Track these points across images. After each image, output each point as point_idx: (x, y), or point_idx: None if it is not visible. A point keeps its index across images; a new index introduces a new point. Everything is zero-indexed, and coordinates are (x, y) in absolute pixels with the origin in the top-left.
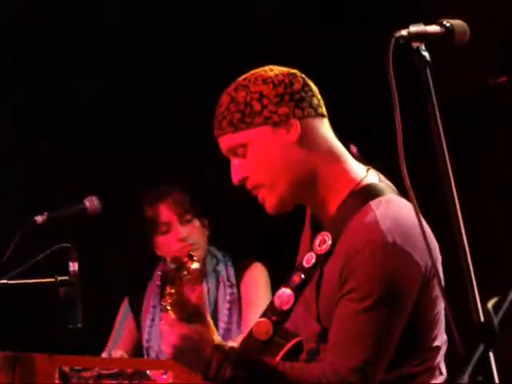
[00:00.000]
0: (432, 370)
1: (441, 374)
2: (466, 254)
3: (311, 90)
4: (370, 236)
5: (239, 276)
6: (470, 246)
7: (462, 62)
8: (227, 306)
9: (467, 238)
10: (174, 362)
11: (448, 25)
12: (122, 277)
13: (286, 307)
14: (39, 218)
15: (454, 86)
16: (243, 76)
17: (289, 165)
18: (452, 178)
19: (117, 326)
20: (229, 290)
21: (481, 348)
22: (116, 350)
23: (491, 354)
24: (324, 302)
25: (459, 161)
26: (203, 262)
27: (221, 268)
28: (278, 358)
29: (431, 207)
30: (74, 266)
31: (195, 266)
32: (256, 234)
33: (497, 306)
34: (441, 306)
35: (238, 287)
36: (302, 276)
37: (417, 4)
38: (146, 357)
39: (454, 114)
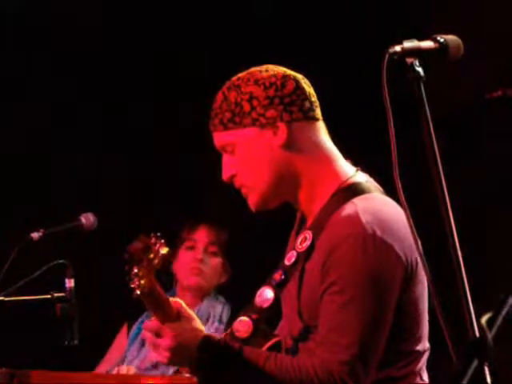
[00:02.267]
0: (413, 376)
1: (422, 380)
2: (460, 267)
3: (304, 93)
4: (350, 229)
5: (233, 319)
6: (464, 258)
7: (456, 76)
8: None
9: (461, 250)
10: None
11: (442, 40)
12: (118, 294)
13: (265, 305)
14: (35, 235)
15: (447, 100)
16: (239, 75)
17: (271, 166)
18: (446, 192)
19: (111, 348)
20: (215, 324)
21: (475, 363)
22: (122, 367)
23: (486, 369)
24: (305, 298)
25: (452, 173)
26: (203, 296)
27: (218, 305)
28: None
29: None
30: (70, 283)
31: (164, 251)
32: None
33: (491, 321)
34: (424, 307)
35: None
36: (283, 274)
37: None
38: None
39: (448, 128)
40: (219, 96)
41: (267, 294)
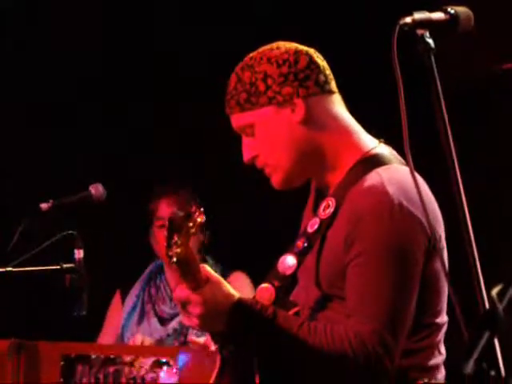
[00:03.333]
0: (432, 348)
1: (440, 353)
2: (470, 240)
3: (318, 67)
4: (375, 199)
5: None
6: (475, 234)
7: (466, 50)
8: None
9: (472, 226)
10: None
11: (452, 12)
12: (120, 266)
13: (288, 272)
14: (44, 206)
15: (458, 73)
16: (250, 54)
17: (294, 144)
18: (457, 167)
19: (107, 318)
20: None
21: (486, 335)
22: (137, 336)
23: (496, 342)
24: (325, 265)
25: (464, 149)
26: None
27: None
28: None
29: (436, 195)
30: (79, 254)
31: (201, 219)
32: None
33: (501, 293)
34: (443, 281)
35: None
36: (306, 241)
37: None
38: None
39: (460, 102)
40: (233, 78)
41: (290, 261)
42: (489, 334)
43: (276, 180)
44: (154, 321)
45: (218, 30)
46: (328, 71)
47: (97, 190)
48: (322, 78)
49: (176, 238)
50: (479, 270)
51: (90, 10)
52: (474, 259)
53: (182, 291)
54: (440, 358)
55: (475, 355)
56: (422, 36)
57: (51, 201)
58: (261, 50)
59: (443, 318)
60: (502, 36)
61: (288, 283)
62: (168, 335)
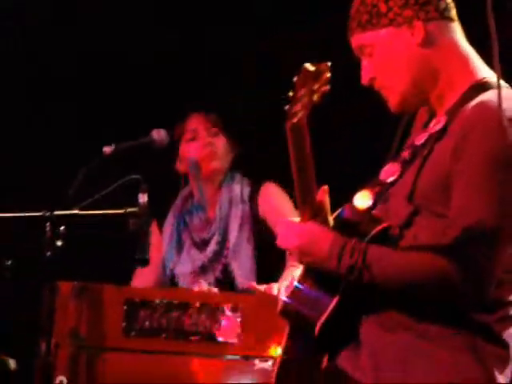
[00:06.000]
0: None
1: None
2: None
3: None
4: (486, 112)
5: (254, 192)
6: None
7: None
8: (238, 221)
9: None
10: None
11: None
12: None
13: (390, 179)
14: (107, 149)
15: None
16: None
17: (411, 66)
18: None
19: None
20: (240, 206)
21: None
22: (202, 282)
23: None
24: (425, 177)
25: None
26: (221, 181)
27: (235, 187)
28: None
29: None
30: (143, 198)
31: (326, 87)
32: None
33: None
34: None
35: (253, 204)
36: (411, 152)
37: None
38: (169, 276)
39: None
40: (357, 0)
41: (393, 168)
42: None
43: (392, 102)
44: (193, 248)
45: (218, 30)
46: (449, 0)
47: (159, 135)
48: (442, 4)
49: (302, 93)
50: None
51: None
52: None
53: (285, 221)
54: None
55: None
56: None
57: (114, 145)
58: None
59: None
60: None
61: (387, 189)
62: (209, 260)
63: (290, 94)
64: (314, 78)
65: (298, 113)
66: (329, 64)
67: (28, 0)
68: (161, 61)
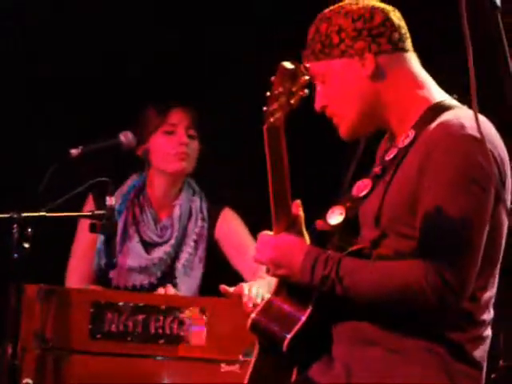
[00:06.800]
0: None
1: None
2: None
3: (393, 24)
4: (450, 129)
5: (214, 213)
6: None
7: None
8: (194, 237)
9: None
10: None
11: None
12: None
13: (362, 193)
14: (74, 152)
15: None
16: (332, 7)
17: (360, 97)
18: None
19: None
20: (199, 223)
21: None
22: (168, 287)
23: None
24: (392, 193)
25: None
26: (181, 189)
27: (196, 199)
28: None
29: None
30: (111, 201)
31: (304, 93)
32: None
33: None
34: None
35: (211, 224)
36: (382, 168)
37: None
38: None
39: None
40: (312, 28)
41: (365, 183)
42: None
43: (342, 130)
44: (138, 246)
45: (218, 30)
46: (404, 30)
47: (126, 137)
48: (395, 35)
49: (281, 90)
50: None
51: None
52: None
53: (264, 236)
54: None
55: None
56: None
57: (81, 147)
58: (342, 3)
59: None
60: None
61: (358, 204)
62: (154, 264)
63: (268, 93)
64: (292, 78)
65: (275, 112)
66: (307, 66)
67: (28, 0)
68: (161, 61)
